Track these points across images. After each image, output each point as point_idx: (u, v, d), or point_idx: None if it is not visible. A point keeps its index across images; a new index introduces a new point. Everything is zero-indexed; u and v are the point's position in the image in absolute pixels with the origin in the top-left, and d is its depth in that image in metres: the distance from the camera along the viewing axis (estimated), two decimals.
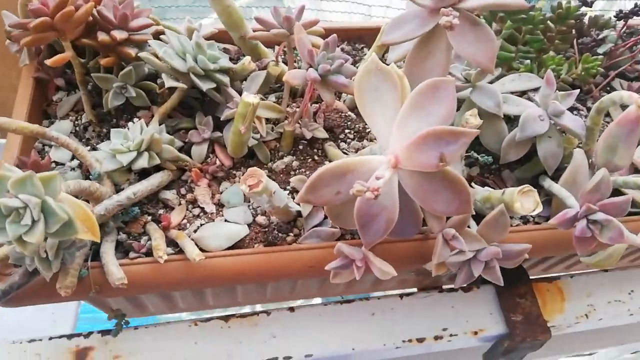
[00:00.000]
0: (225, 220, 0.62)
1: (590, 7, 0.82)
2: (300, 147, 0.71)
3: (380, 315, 0.72)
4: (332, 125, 0.75)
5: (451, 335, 0.71)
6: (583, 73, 0.77)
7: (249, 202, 0.64)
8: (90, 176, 0.60)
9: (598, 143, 0.60)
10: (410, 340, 0.70)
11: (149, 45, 0.65)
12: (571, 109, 0.76)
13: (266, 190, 0.51)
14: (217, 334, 0.69)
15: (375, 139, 0.72)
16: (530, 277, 0.76)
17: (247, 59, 0.67)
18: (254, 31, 0.71)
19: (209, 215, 0.63)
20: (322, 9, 1.47)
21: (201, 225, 0.62)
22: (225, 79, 0.66)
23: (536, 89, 0.72)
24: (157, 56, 0.65)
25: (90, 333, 0.67)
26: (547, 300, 0.76)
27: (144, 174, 0.63)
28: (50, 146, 0.68)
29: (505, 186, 0.72)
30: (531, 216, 0.68)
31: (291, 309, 0.70)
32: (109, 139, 0.65)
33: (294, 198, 0.65)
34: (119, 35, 0.63)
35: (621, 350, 1.21)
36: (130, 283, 0.54)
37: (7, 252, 0.51)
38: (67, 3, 0.60)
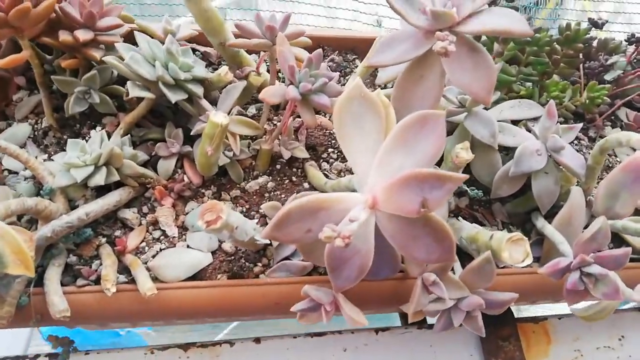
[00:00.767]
0: (188, 246, 0.57)
1: (601, 29, 0.76)
2: (278, 166, 0.66)
3: (353, 351, 0.67)
4: (315, 143, 0.69)
5: None
6: (588, 102, 0.72)
7: None
8: (42, 191, 0.55)
9: (599, 188, 0.55)
10: None
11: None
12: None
13: (227, 226, 0.45)
14: None
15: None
16: (516, 317, 0.72)
17: (224, 69, 0.61)
18: (235, 37, 0.65)
19: (170, 240, 0.58)
20: (332, 16, 1.39)
21: (160, 250, 0.56)
22: (199, 90, 0.61)
23: (536, 118, 0.67)
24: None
25: (37, 357, 0.62)
26: (531, 342, 0.71)
27: (102, 188, 0.58)
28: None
29: (495, 220, 0.67)
30: None
31: (257, 340, 0.66)
32: None
33: (266, 223, 0.60)
34: (83, 35, 0.58)
35: None
36: (74, 314, 0.50)
37: None
38: None
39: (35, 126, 0.65)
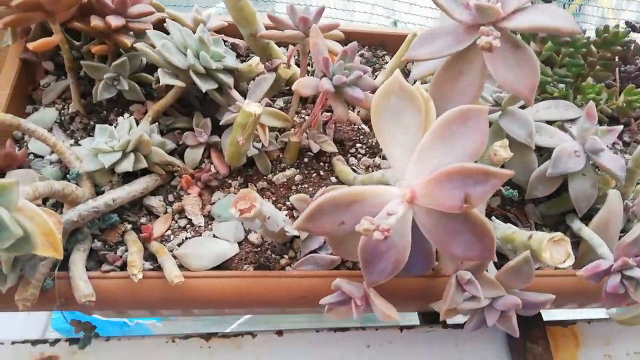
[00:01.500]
0: (214, 236, 0.56)
1: (639, 32, 0.74)
2: (306, 159, 0.64)
3: (377, 348, 0.65)
4: (343, 138, 0.68)
5: None
6: (625, 105, 0.70)
7: None
8: (68, 175, 0.54)
9: None
10: None
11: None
12: None
13: (259, 215, 0.44)
14: (195, 355, 0.63)
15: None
16: (545, 320, 0.70)
17: (255, 60, 0.60)
18: (267, 29, 0.64)
19: (196, 229, 0.56)
20: (348, 9, 1.38)
21: (186, 239, 0.55)
22: (229, 80, 0.60)
23: (572, 120, 0.65)
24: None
25: (58, 341, 0.61)
26: (560, 345, 0.69)
27: (129, 175, 0.57)
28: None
29: (528, 221, 0.65)
30: None
31: (279, 333, 0.64)
32: None
33: (292, 216, 0.59)
34: (115, 21, 0.57)
35: None
36: (99, 299, 0.49)
37: None
38: None
39: (62, 111, 0.64)
